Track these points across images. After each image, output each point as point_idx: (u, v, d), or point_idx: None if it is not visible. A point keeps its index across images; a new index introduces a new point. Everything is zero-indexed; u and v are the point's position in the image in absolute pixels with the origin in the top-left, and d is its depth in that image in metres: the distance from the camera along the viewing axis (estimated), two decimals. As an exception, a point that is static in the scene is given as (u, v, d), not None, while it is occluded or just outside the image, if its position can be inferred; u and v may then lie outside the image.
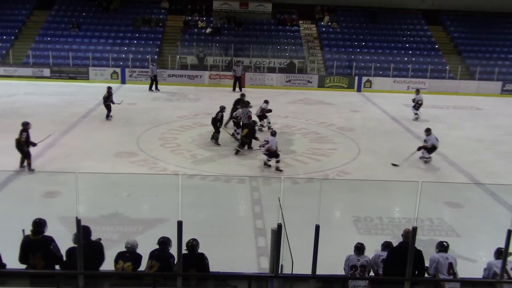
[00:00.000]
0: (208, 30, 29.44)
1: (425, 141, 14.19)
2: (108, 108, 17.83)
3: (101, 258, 6.52)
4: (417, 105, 19.96)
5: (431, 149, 14.03)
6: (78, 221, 5.89)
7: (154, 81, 24.43)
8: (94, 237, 6.84)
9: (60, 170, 12.16)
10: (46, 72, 25.95)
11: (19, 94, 21.90)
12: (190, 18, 30.40)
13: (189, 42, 28.55)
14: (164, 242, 6.62)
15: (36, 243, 6.28)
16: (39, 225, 6.37)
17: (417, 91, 20.63)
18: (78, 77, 25.89)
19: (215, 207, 10.77)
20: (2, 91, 22.33)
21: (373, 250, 7.22)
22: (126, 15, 30.15)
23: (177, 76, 26.50)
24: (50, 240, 6.37)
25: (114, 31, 29.13)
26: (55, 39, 27.93)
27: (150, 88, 24.35)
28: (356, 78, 27.04)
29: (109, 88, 18.08)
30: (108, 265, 6.58)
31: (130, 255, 6.56)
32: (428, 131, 14.17)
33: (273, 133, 13.26)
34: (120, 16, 30.21)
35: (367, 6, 31.65)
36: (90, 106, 19.94)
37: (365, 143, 16.16)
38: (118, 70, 26.11)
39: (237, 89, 24.63)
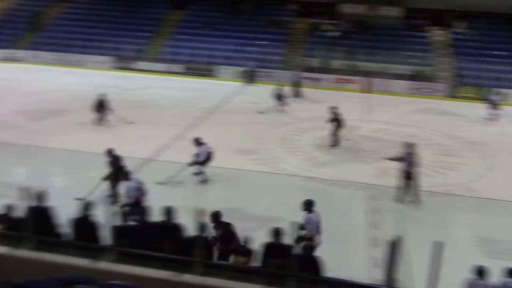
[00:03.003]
0: (335, 34, 29.25)
1: None
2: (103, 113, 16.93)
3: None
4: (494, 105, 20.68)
5: None
6: (199, 212, 6.18)
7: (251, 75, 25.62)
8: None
9: (186, 162, 12.77)
10: (179, 68, 27.55)
11: (154, 88, 23.44)
12: (317, 21, 30.44)
13: (315, 45, 28.58)
14: None
15: (167, 228, 6.86)
16: (170, 212, 6.97)
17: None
18: (207, 74, 27.11)
19: (331, 212, 10.64)
20: (139, 84, 24.09)
21: (497, 276, 6.67)
22: (255, 16, 30.97)
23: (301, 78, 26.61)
24: (180, 227, 6.94)
25: (243, 31, 30.06)
26: (189, 37, 29.54)
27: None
28: (491, 90, 25.15)
29: (103, 95, 16.96)
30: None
31: (245, 249, 6.73)
32: None
33: None
34: (249, 17, 31.11)
35: (507, 13, 29.32)
36: (216, 103, 20.79)
37: (498, 160, 14.99)
38: (245, 69, 26.87)
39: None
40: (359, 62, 27.07)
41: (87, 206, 7.06)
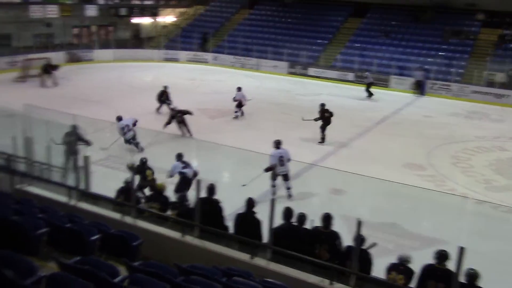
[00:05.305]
0: (527, 46, 26.49)
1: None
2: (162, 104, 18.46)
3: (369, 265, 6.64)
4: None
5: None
6: (358, 223, 6.07)
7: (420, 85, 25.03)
8: (368, 241, 6.95)
9: (349, 170, 12.68)
10: (350, 76, 27.42)
11: (323, 94, 23.64)
12: (507, 32, 27.85)
13: (501, 58, 26.18)
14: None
15: (325, 235, 6.80)
16: (328, 219, 6.86)
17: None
18: (379, 84, 26.53)
19: (505, 241, 9.67)
20: (311, 90, 24.53)
21: None
22: (437, 26, 29.39)
23: (482, 93, 24.67)
24: (337, 235, 6.83)
25: (421, 41, 28.80)
26: (363, 45, 29.26)
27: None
28: None
29: (165, 87, 18.62)
30: (378, 272, 6.59)
31: (404, 268, 6.44)
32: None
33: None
34: (430, 27, 29.64)
35: None
36: (385, 113, 20.25)
37: None
38: (418, 80, 25.73)
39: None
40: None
41: (251, 202, 7.38)
